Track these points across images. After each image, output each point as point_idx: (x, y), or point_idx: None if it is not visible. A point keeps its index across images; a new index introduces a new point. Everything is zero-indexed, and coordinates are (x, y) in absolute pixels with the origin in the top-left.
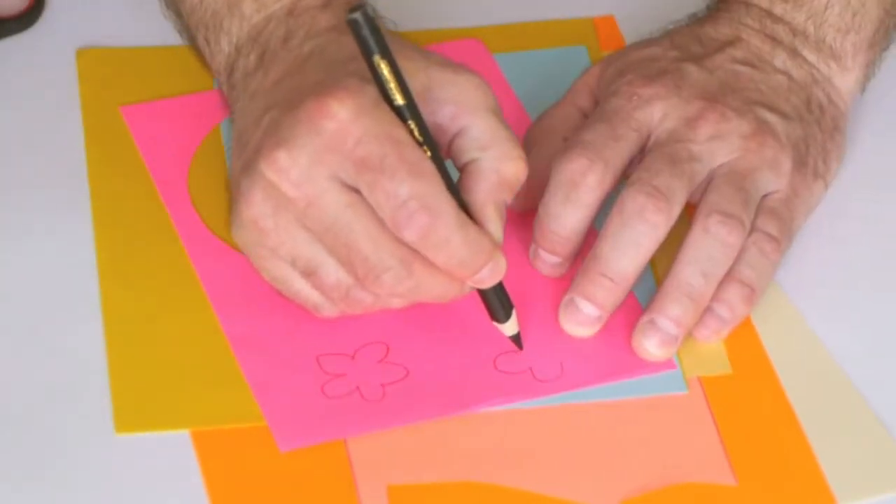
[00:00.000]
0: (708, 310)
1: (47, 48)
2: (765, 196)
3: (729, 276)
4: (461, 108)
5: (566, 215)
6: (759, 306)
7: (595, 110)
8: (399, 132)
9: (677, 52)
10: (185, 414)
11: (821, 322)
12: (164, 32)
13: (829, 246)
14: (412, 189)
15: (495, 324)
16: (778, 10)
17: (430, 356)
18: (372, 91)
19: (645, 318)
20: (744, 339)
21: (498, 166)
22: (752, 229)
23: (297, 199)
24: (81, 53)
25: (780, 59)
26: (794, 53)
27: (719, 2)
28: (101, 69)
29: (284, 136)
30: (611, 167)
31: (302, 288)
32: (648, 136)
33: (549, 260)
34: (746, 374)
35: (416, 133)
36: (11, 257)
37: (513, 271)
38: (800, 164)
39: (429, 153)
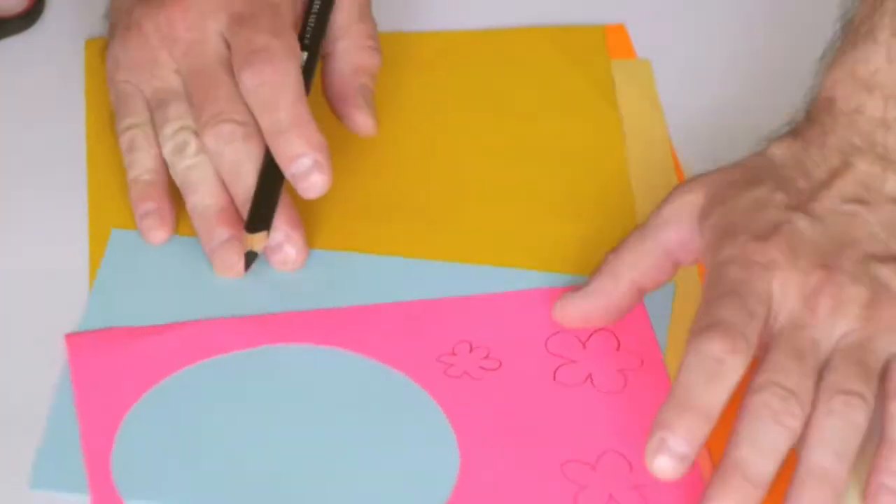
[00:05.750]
0: (879, 485)
1: (48, 48)
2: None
3: None
4: None
5: (710, 394)
6: None
7: (713, 275)
8: (281, 5)
9: (783, 195)
10: None
11: None
12: None
13: None
14: (268, 42)
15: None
16: (893, 113)
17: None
18: None
19: None
20: None
21: (350, 57)
22: None
23: (186, 38)
24: (90, 44)
25: (891, 184)
26: None
27: (823, 109)
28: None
29: None
30: (751, 346)
31: (136, 136)
32: (769, 311)
33: (678, 449)
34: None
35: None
36: (8, 256)
37: None
38: None
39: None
